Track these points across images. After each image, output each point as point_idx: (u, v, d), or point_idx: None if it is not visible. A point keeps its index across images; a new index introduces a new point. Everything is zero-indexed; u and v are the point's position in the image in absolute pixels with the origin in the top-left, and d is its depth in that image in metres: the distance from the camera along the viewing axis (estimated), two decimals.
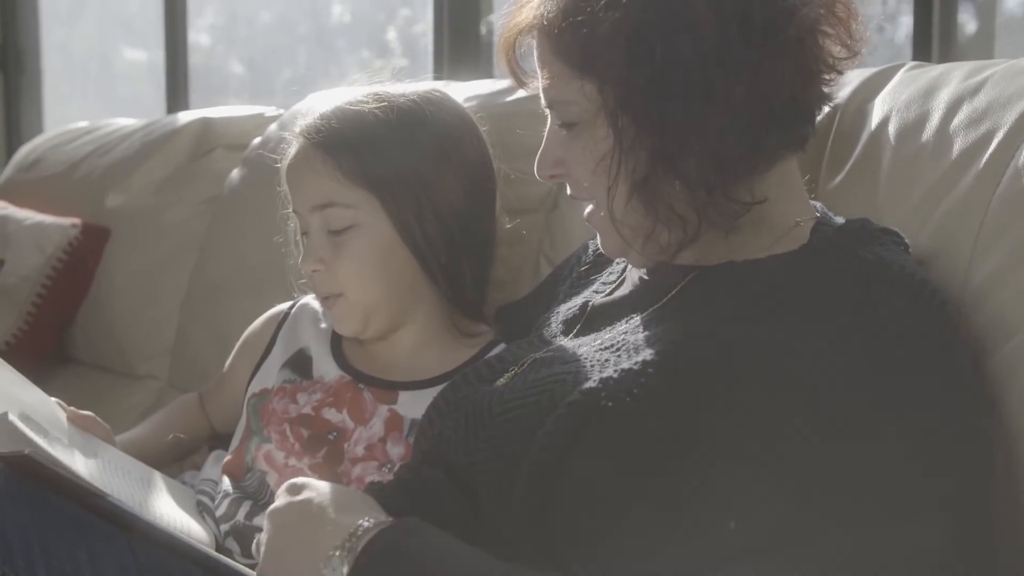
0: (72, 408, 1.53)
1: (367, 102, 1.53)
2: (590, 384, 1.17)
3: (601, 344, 1.26)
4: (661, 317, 1.24)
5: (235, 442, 1.58)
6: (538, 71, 1.27)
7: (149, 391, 2.34)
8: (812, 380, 1.08)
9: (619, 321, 1.29)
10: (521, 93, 1.48)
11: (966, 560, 1.08)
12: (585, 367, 1.22)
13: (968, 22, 2.20)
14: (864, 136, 1.44)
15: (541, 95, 1.28)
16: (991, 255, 1.24)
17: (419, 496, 1.27)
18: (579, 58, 1.21)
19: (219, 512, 1.51)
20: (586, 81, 1.21)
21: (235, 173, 2.33)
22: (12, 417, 1.18)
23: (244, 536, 1.47)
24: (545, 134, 1.30)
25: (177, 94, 3.42)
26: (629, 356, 1.19)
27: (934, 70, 1.46)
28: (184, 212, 2.44)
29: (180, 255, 2.39)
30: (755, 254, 1.23)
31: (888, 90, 1.47)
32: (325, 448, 1.50)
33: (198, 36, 3.66)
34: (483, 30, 2.59)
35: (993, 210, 1.25)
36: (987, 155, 1.29)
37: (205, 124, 2.56)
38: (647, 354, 1.17)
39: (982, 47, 2.17)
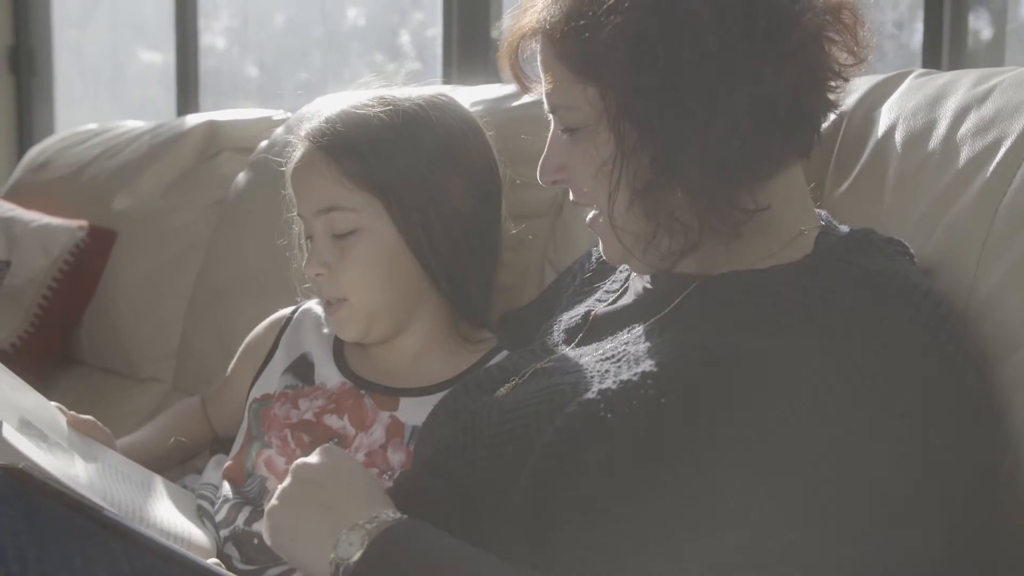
0: (72, 412, 1.53)
1: (372, 106, 1.52)
2: (589, 395, 1.16)
3: (603, 354, 1.25)
4: (663, 328, 1.23)
5: (236, 447, 1.58)
6: (541, 75, 1.26)
7: (153, 394, 2.34)
8: (813, 393, 1.07)
9: (621, 331, 1.28)
10: (527, 98, 1.48)
11: (966, 569, 1.07)
12: (585, 378, 1.21)
13: (983, 28, 2.19)
14: (870, 144, 1.43)
15: (544, 100, 1.27)
16: (997, 265, 1.22)
17: (419, 503, 1.26)
18: (581, 63, 1.20)
19: (219, 517, 1.50)
20: (588, 86, 1.20)
21: (241, 177, 2.33)
22: (6, 434, 1.18)
23: (243, 542, 1.47)
24: (548, 139, 1.29)
25: (188, 97, 3.42)
26: (629, 367, 1.18)
27: (941, 77, 1.45)
28: (190, 215, 2.43)
29: (186, 258, 2.38)
30: (758, 263, 1.22)
31: (895, 98, 1.45)
32: None
33: (214, 39, 3.66)
34: (494, 34, 2.58)
35: (999, 220, 1.24)
36: (994, 164, 1.27)
37: (212, 127, 2.56)
38: (647, 365, 1.16)
39: (994, 54, 2.16)
